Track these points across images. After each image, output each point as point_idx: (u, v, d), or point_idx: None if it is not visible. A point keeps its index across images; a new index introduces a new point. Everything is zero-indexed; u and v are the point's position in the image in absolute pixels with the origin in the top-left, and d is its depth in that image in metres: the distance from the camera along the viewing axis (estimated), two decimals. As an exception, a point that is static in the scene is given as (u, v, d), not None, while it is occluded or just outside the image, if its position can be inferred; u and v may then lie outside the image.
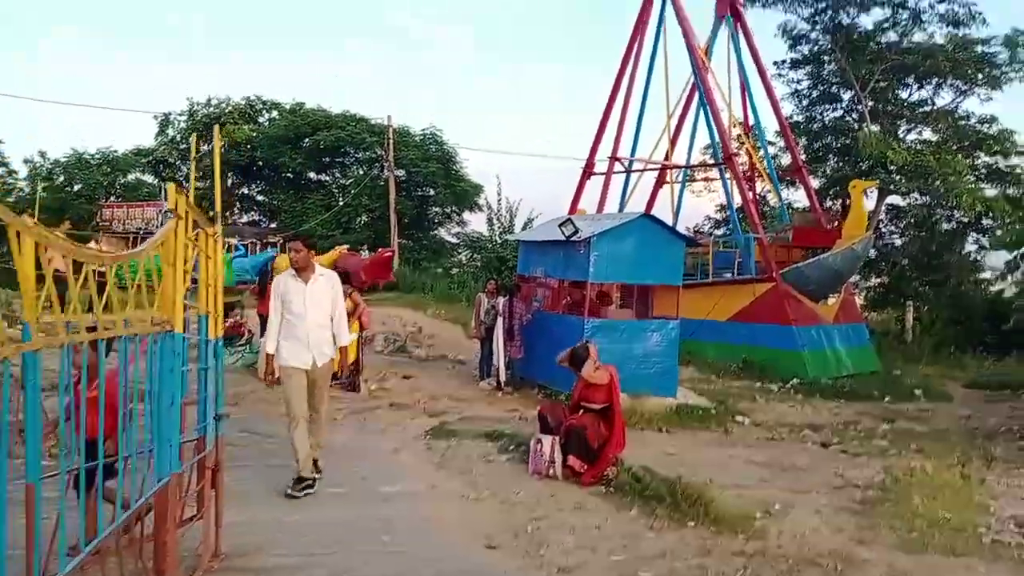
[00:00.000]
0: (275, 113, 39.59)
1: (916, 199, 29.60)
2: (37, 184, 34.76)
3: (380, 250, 27.12)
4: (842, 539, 5.69)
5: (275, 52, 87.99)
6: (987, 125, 28.72)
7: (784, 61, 31.83)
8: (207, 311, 4.36)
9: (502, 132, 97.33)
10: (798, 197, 27.72)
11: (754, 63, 22.50)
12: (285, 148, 35.95)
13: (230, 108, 39.14)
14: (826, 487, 7.22)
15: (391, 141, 31.51)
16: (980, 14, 26.99)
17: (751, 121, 23.64)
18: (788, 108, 30.51)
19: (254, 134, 37.90)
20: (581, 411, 7.35)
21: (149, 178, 38.93)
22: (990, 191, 27.64)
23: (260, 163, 38.06)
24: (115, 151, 37.53)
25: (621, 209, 21.77)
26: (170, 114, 39.27)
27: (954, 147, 27.95)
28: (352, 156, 37.84)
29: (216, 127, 4.44)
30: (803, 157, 26.07)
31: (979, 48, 27.79)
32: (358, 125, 35.62)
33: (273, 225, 37.53)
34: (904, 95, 30.92)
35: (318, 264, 6.27)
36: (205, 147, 34.82)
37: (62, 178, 35.06)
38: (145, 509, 3.52)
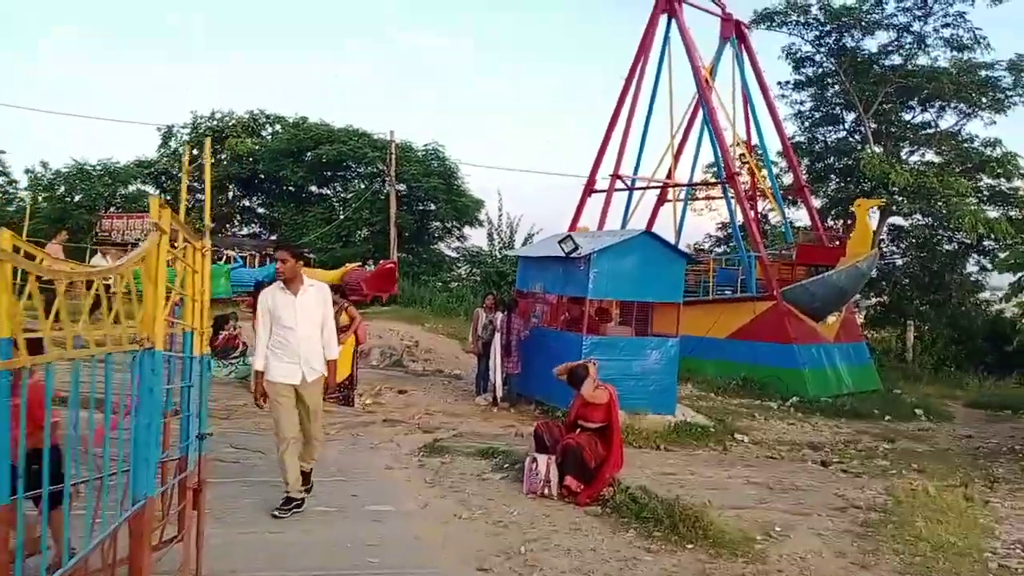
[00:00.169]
0: (278, 127, 39.62)
1: (918, 219, 29.59)
2: (36, 195, 34.75)
3: (382, 262, 27.06)
4: (844, 563, 5.53)
5: (279, 65, 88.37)
6: (990, 148, 28.75)
7: (788, 82, 31.98)
8: (192, 327, 4.23)
9: (504, 149, 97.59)
10: (799, 216, 27.66)
11: (758, 84, 22.54)
12: (287, 161, 35.94)
13: (233, 121, 39.18)
14: (827, 508, 7.06)
15: (393, 156, 31.50)
16: (985, 39, 27.12)
17: (754, 141, 23.62)
18: (791, 129, 30.61)
19: (256, 147, 37.92)
20: (578, 430, 7.21)
21: (151, 189, 38.91)
22: (992, 213, 27.66)
23: (262, 176, 38.04)
24: (116, 162, 37.52)
25: (624, 227, 21.69)
26: (173, 126, 39.31)
27: (957, 169, 28.00)
28: (354, 170, 37.82)
29: (207, 140, 4.33)
30: (805, 177, 26.02)
31: (983, 72, 27.87)
32: (360, 140, 35.62)
33: (273, 237, 37.44)
34: (907, 117, 30.99)
35: (307, 275, 6.09)
36: (198, 156, 34.85)
37: (63, 188, 35.01)
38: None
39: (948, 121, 30.31)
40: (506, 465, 7.79)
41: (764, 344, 17.66)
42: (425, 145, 36.30)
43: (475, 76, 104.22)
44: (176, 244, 4.03)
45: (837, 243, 20.92)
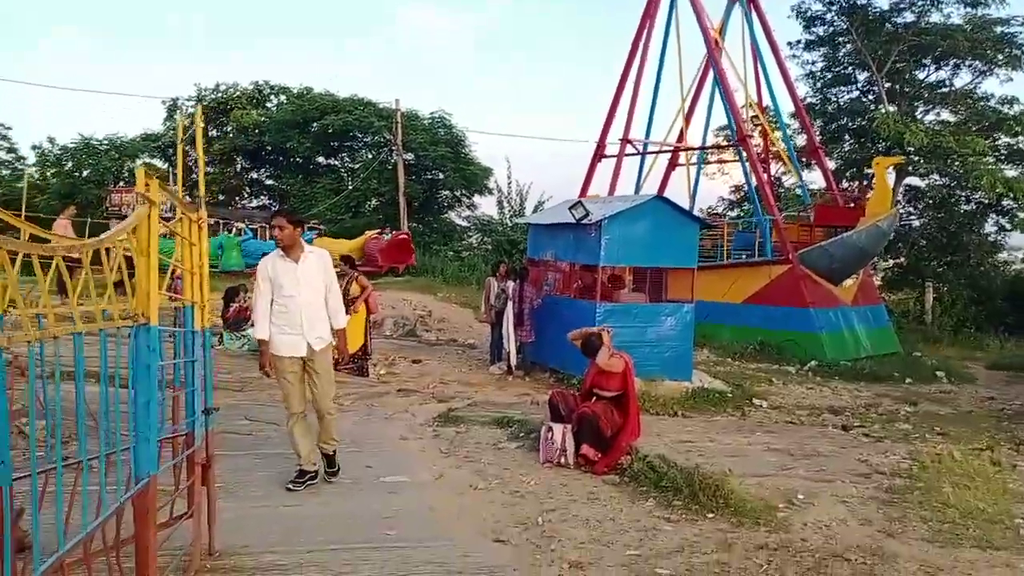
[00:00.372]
0: (283, 98, 39.32)
1: (935, 180, 29.12)
2: (45, 171, 34.68)
3: (394, 233, 26.90)
4: (870, 531, 5.39)
5: (282, 37, 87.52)
6: (1007, 106, 28.20)
7: (799, 42, 31.39)
8: (192, 301, 4.09)
9: (512, 116, 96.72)
10: (813, 179, 27.30)
11: (768, 44, 22.03)
12: (293, 133, 35.70)
13: (238, 93, 38.87)
14: (850, 475, 6.91)
15: (399, 125, 31.19)
16: (1000, -7, 26.42)
17: (766, 102, 23.19)
18: (802, 90, 30.12)
19: (262, 119, 37.65)
20: (594, 398, 7.07)
21: (158, 163, 38.78)
22: (1010, 172, 27.18)
23: (268, 148, 37.84)
24: (123, 137, 37.38)
25: (636, 192, 21.40)
26: (178, 99, 39.04)
27: (973, 128, 27.46)
28: (360, 140, 37.56)
29: (198, 107, 4.10)
30: (818, 139, 25.57)
31: (998, 28, 27.21)
32: (366, 109, 35.32)
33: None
34: (921, 76, 30.37)
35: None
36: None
37: (70, 164, 34.93)
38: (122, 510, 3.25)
39: (963, 79, 29.72)
40: (521, 434, 7.68)
41: (781, 308, 17.47)
42: (431, 113, 35.97)
43: (480, 43, 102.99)
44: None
45: (852, 204, 20.59)
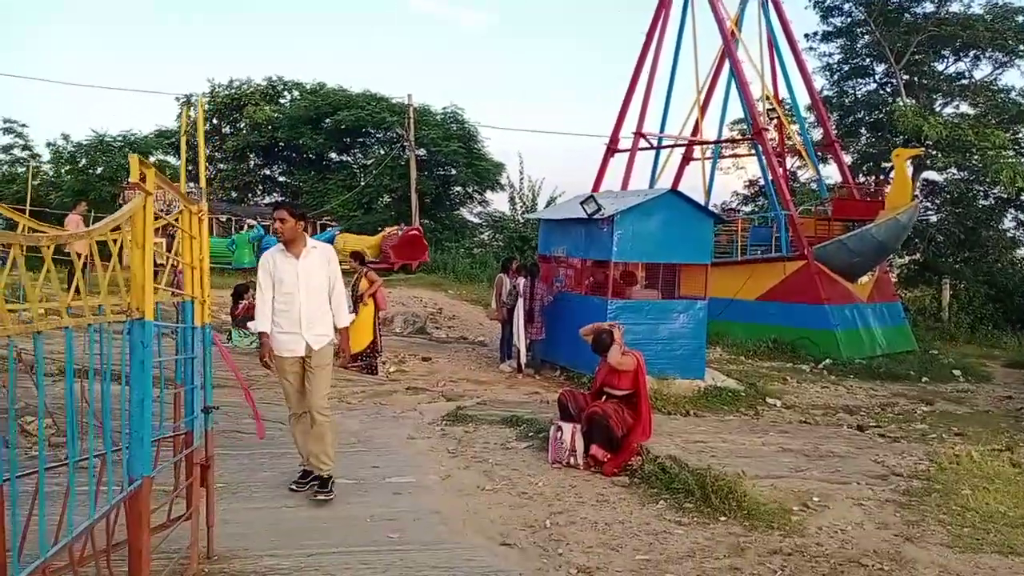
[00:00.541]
0: (296, 93, 39.31)
1: (953, 174, 28.74)
2: (59, 167, 34.81)
3: (405, 229, 26.78)
4: (887, 536, 5.24)
5: (295, 32, 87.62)
6: (1028, 98, 27.74)
7: (816, 34, 31.04)
8: (192, 296, 3.99)
9: (525, 111, 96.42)
10: (829, 172, 26.98)
11: (785, 36, 21.76)
12: (306, 128, 35.70)
13: (251, 89, 38.91)
14: (866, 476, 6.75)
15: (412, 120, 31.11)
16: (1021, -18, 26.01)
17: (782, 95, 22.91)
18: (819, 82, 29.80)
19: (275, 115, 37.67)
20: (604, 397, 6.94)
21: (172, 159, 38.89)
22: (1031, 166, 26.72)
23: (281, 144, 37.87)
24: (136, 133, 37.48)
25: (651, 187, 21.22)
26: (192, 95, 39.10)
27: (993, 121, 27.03)
28: (373, 136, 37.53)
29: (201, 98, 3.98)
30: (835, 132, 25.29)
31: (1020, 18, 26.76)
32: (378, 104, 35.25)
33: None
34: (940, 67, 29.96)
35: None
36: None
37: (84, 161, 35.05)
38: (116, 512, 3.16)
39: (983, 71, 29.33)
40: (531, 433, 7.56)
41: (795, 305, 17.26)
42: (444, 108, 35.85)
43: (492, 38, 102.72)
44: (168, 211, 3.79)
45: (867, 199, 20.32)
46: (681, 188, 21.39)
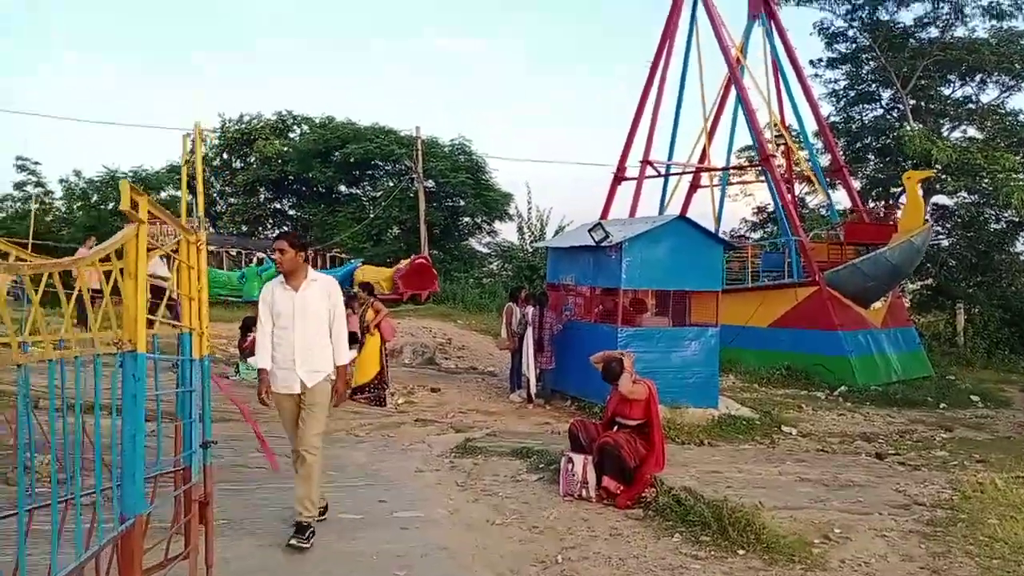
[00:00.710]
0: (305, 127, 39.65)
1: (963, 198, 28.56)
2: (71, 204, 35.06)
3: (412, 258, 26.75)
4: (912, 568, 5.04)
5: (304, 67, 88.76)
6: (1037, 121, 27.63)
7: (820, 60, 31.11)
8: (191, 328, 3.90)
9: (531, 142, 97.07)
10: (838, 198, 26.86)
11: (790, 62, 21.79)
12: (315, 162, 35.93)
13: (261, 124, 39.29)
14: (888, 506, 6.54)
15: (420, 152, 31.26)
16: (1025, 5, 26.05)
17: (789, 121, 22.90)
18: (825, 108, 29.79)
19: (285, 148, 37.97)
20: (616, 427, 6.78)
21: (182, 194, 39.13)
22: (1041, 189, 26.50)
23: (291, 178, 38.10)
24: (147, 169, 37.82)
25: (660, 215, 21.15)
26: (203, 131, 39.45)
27: (1002, 144, 26.89)
28: (382, 168, 37.74)
29: (196, 124, 3.86)
30: (842, 158, 25.24)
31: (1025, 42, 26.77)
32: (387, 137, 35.49)
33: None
34: (947, 92, 29.93)
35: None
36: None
37: (96, 197, 35.35)
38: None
39: (990, 95, 29.29)
40: (541, 465, 7.39)
41: (808, 332, 17.05)
42: (451, 140, 36.07)
43: (499, 69, 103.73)
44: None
45: (878, 223, 20.16)
46: (689, 215, 21.32)
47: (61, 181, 37.43)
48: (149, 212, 3.60)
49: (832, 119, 30.21)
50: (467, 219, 37.09)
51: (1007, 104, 29.02)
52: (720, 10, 20.69)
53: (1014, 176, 24.61)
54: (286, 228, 40.29)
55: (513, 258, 33.44)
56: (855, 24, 29.31)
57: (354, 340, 13.08)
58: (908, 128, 26.34)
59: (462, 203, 35.62)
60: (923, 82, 28.68)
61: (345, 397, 5.31)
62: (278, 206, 41.15)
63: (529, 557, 5.05)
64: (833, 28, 29.79)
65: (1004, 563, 5.10)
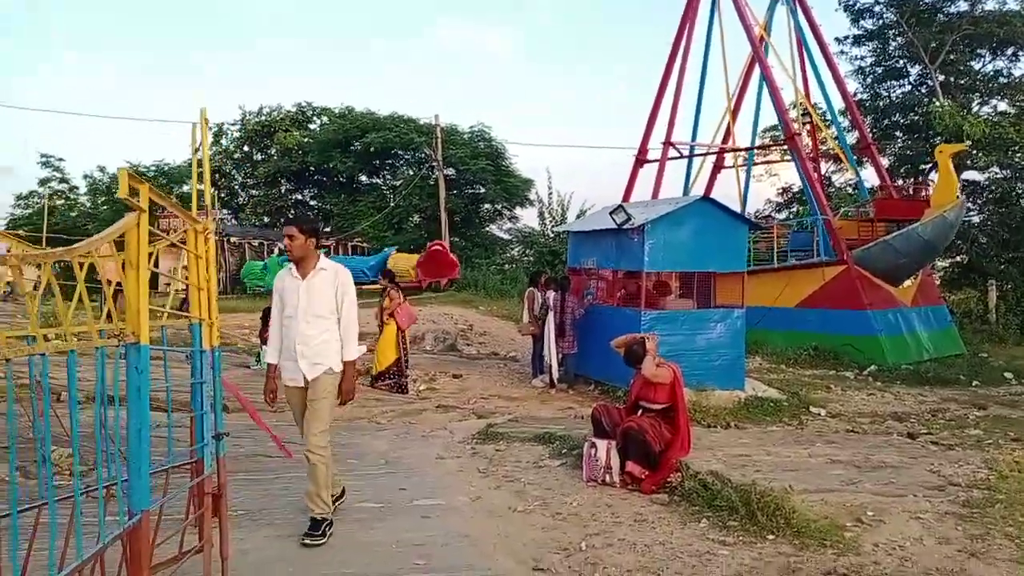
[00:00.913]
0: (325, 118, 39.69)
1: (995, 173, 27.91)
2: (96, 199, 35.41)
3: (428, 245, 26.67)
4: (950, 552, 4.86)
5: (323, 59, 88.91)
6: (1072, 94, 26.92)
7: (846, 37, 30.54)
8: (200, 318, 3.80)
9: (552, 126, 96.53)
10: (866, 176, 26.38)
11: (815, 39, 21.34)
12: (335, 152, 35.97)
13: (281, 116, 39.39)
14: (922, 487, 6.34)
15: (439, 140, 31.15)
16: (1059, -25, 25.33)
17: (815, 99, 22.47)
18: (852, 86, 29.28)
19: (305, 140, 38.04)
20: (640, 411, 6.63)
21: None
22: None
23: (312, 168, 38.20)
24: (169, 163, 38.08)
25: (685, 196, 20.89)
26: (223, 124, 39.69)
27: (1035, 118, 26.25)
28: (401, 157, 37.70)
29: (202, 111, 3.67)
30: (870, 135, 24.77)
31: (1060, 12, 26.05)
32: (406, 126, 35.43)
33: (327, 229, 37.62)
34: (977, 66, 29.20)
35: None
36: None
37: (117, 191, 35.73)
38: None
39: (1022, 68, 28.54)
40: (564, 451, 7.27)
41: (836, 311, 16.75)
42: (471, 127, 35.93)
43: (517, 55, 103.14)
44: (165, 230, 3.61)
45: (921, 191, 19.76)
46: (714, 197, 21.02)
47: (85, 177, 37.82)
48: (165, 204, 3.52)
49: (859, 97, 29.66)
50: (487, 206, 36.97)
51: (1040, 77, 28.33)
52: (743, -13, 20.31)
53: (1048, 151, 24.05)
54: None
55: (534, 244, 33.31)
56: (882, 0, 28.69)
57: None
58: (938, 104, 25.75)
59: (482, 190, 35.50)
60: (952, 57, 28.03)
61: (352, 395, 5.02)
62: (299, 197, 41.31)
63: (552, 544, 4.93)
64: (859, 4, 29.19)
65: (1046, 546, 4.90)
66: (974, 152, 25.17)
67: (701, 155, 22.68)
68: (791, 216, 29.66)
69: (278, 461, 6.79)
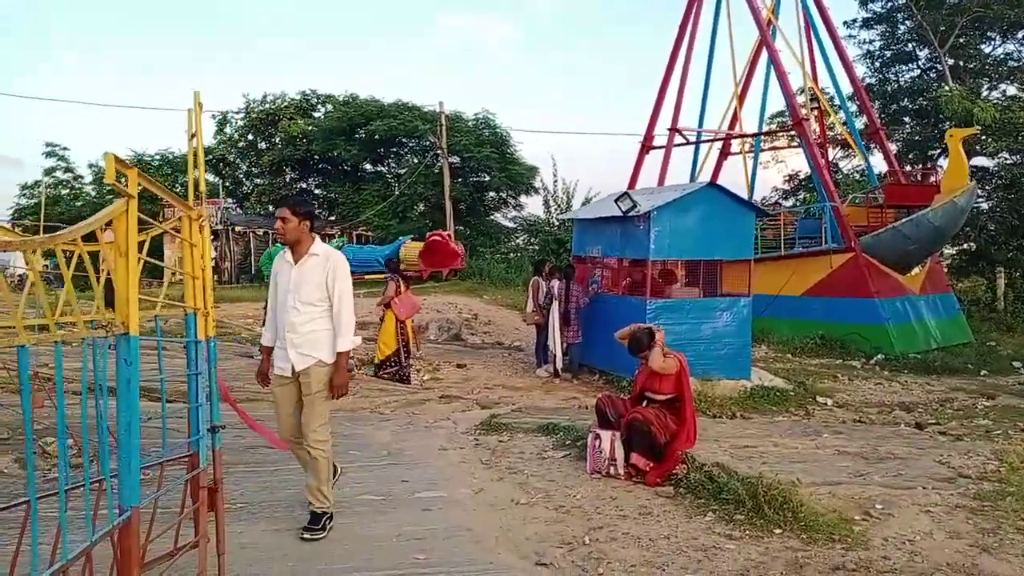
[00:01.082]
0: (329, 106, 39.52)
1: (1005, 159, 27.62)
2: (101, 188, 35.39)
3: (427, 235, 26.47)
4: (961, 546, 4.77)
5: (328, 47, 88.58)
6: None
7: (855, 20, 30.23)
8: (195, 308, 3.71)
9: (557, 113, 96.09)
10: (873, 162, 26.14)
11: (823, 22, 21.08)
12: (340, 140, 35.82)
13: (285, 104, 39.23)
14: (932, 479, 6.25)
15: (444, 127, 30.96)
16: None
17: (823, 84, 22.20)
18: (860, 70, 28.94)
19: (310, 128, 37.88)
20: (645, 402, 6.53)
21: (210, 176, 39.40)
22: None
23: (316, 157, 38.08)
24: (174, 152, 38.00)
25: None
26: (227, 112, 39.57)
27: (1046, 103, 25.92)
28: (406, 145, 37.54)
29: (196, 93, 3.52)
30: (878, 120, 24.51)
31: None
32: (410, 113, 35.24)
33: (332, 218, 37.53)
34: (987, 50, 28.87)
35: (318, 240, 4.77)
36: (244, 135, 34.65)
37: (124, 182, 35.69)
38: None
39: (1033, 51, 28.19)
40: (568, 442, 7.19)
41: (843, 300, 16.61)
42: (475, 114, 35.72)
43: (523, 43, 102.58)
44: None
45: (931, 177, 19.55)
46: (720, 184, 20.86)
47: (91, 166, 37.78)
48: (156, 190, 3.42)
49: (867, 81, 29.36)
50: (492, 194, 36.82)
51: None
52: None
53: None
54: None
55: (539, 232, 33.17)
56: (891, -19, 28.38)
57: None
58: (947, 88, 25.47)
59: (487, 178, 35.34)
60: (962, 40, 27.70)
61: (345, 390, 4.81)
62: (304, 185, 41.19)
63: (555, 538, 4.86)
64: (868, -13, 28.87)
65: (1059, 540, 4.81)
66: (983, 137, 24.91)
67: (708, 141, 22.50)
68: (797, 204, 29.46)
69: (278, 454, 6.70)
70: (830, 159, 26.71)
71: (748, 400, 10.15)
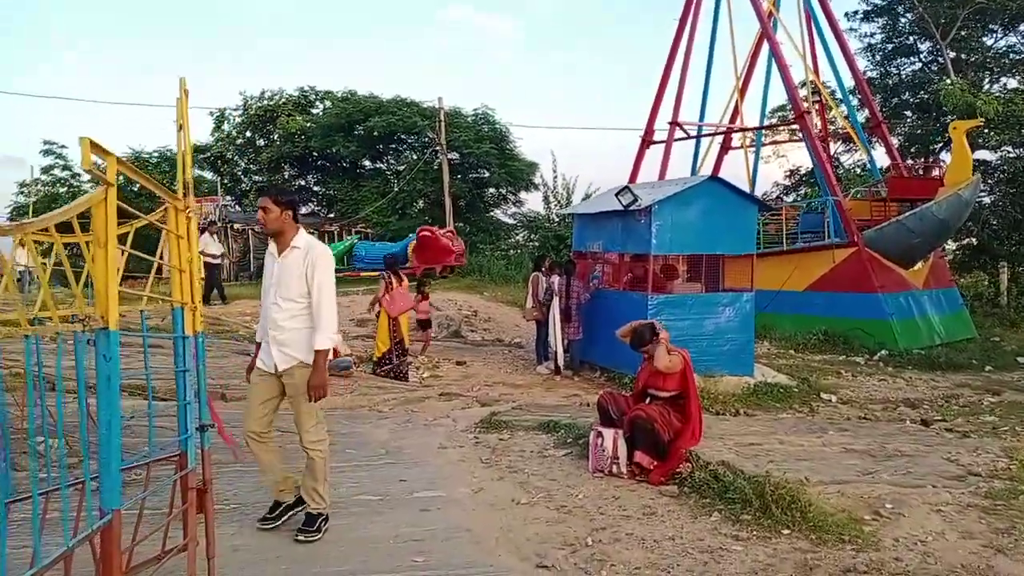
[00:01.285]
0: (328, 102, 39.28)
1: (1007, 152, 27.45)
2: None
3: (417, 231, 26.22)
4: (974, 546, 4.63)
5: (327, 43, 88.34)
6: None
7: (856, 13, 30.06)
8: (182, 302, 3.57)
9: (557, 109, 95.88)
10: (876, 156, 25.98)
11: (824, 15, 20.91)
12: (338, 137, 35.58)
13: (284, 100, 39.00)
14: (941, 477, 6.11)
15: (443, 123, 30.76)
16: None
17: (824, 77, 22.03)
18: (861, 64, 28.72)
19: (308, 124, 37.65)
20: (648, 399, 6.39)
21: (208, 174, 39.22)
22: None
23: (315, 154, 37.84)
24: (172, 149, 37.78)
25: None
26: (225, 109, 39.36)
27: (1049, 96, 25.73)
28: (405, 141, 37.32)
29: (182, 80, 3.35)
30: (880, 114, 24.34)
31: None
32: (409, 109, 35.00)
33: (331, 215, 37.34)
34: (990, 42, 28.69)
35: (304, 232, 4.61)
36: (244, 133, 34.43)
37: (122, 178, 35.48)
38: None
39: (1036, 43, 28.01)
40: (569, 440, 7.05)
41: (846, 295, 16.46)
42: (474, 110, 35.52)
43: (522, 39, 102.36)
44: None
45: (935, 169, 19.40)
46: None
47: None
48: (138, 179, 3.29)
49: (868, 75, 29.19)
50: (492, 190, 36.62)
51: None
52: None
53: (1062, 129, 23.60)
54: (313, 205, 40.08)
55: (539, 228, 33.00)
56: (892, -26, 28.21)
57: (427, 325, 12.86)
58: (948, 82, 25.30)
59: (487, 174, 35.14)
60: (963, 33, 27.52)
61: (323, 391, 4.54)
62: (303, 183, 40.96)
63: (557, 539, 4.72)
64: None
65: (1076, 540, 4.67)
66: (986, 131, 24.74)
67: (709, 135, 22.34)
68: (799, 199, 29.30)
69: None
70: (832, 153, 26.55)
71: (751, 397, 10.03)
